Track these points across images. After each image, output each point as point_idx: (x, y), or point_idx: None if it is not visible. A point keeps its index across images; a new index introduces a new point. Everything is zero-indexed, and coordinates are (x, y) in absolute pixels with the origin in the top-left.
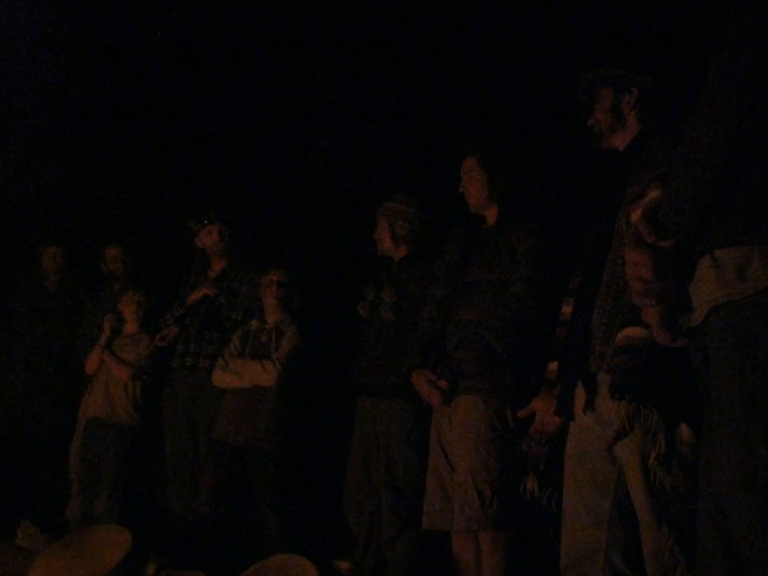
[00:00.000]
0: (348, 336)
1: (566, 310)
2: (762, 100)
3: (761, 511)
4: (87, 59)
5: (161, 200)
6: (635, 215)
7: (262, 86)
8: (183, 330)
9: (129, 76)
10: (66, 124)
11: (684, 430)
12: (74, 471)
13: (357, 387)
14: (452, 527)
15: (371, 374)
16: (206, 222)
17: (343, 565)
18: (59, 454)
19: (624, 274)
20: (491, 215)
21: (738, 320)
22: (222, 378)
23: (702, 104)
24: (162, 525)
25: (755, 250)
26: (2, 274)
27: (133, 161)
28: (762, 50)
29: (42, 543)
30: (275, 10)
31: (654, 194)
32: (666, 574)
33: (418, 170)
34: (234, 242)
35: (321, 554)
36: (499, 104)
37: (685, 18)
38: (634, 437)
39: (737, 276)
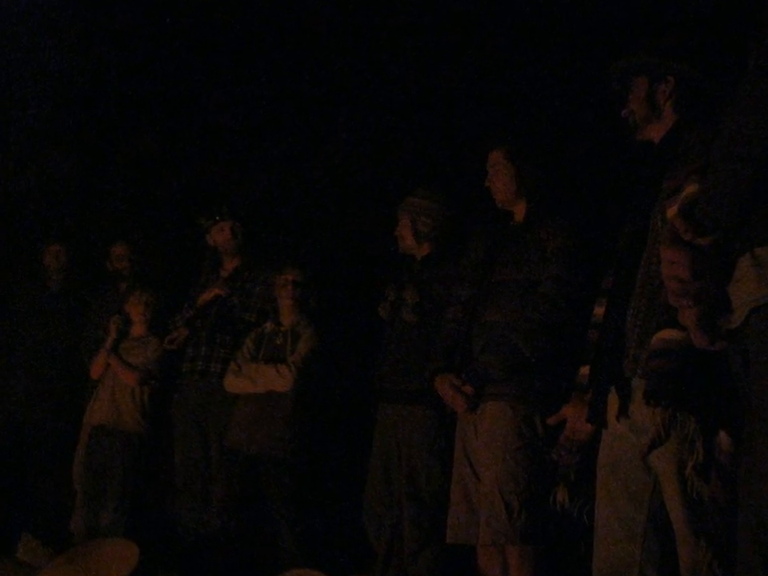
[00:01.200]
0: (368, 339)
1: (598, 311)
2: None
3: None
4: (92, 46)
5: (170, 195)
6: (671, 211)
7: (276, 74)
8: (193, 332)
9: (136, 64)
10: (69, 115)
11: (723, 437)
12: (78, 481)
13: (377, 393)
14: (477, 541)
15: (392, 379)
16: (217, 218)
17: None
18: (62, 464)
19: (659, 274)
20: (519, 211)
21: None
22: (234, 383)
23: (742, 93)
24: (171, 538)
25: None
26: (3, 273)
27: (140, 154)
28: None
29: (44, 557)
30: None
31: (691, 188)
32: None
33: (441, 163)
34: (247, 240)
35: (339, 568)
36: (527, 93)
37: (723, 2)
38: (670, 445)
39: None
